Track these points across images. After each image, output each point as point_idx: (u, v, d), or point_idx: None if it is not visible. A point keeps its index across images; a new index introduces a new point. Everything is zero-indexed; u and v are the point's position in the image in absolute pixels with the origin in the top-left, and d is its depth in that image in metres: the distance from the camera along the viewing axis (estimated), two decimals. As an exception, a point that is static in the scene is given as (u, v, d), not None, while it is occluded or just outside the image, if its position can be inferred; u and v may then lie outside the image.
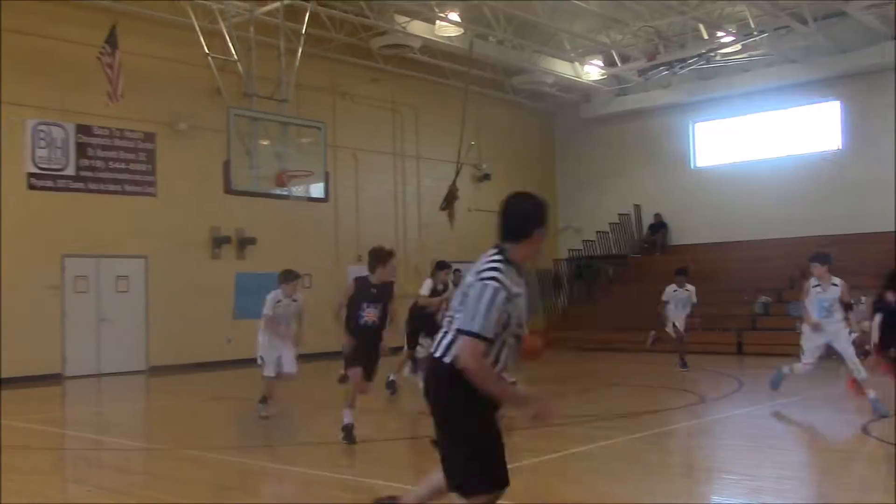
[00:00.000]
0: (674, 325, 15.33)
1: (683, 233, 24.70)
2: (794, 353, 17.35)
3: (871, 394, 9.06)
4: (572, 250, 25.96)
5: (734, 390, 12.45)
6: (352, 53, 21.08)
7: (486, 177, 24.41)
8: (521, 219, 4.08)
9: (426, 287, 12.70)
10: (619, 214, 25.66)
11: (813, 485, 6.81)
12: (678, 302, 15.40)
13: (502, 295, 3.82)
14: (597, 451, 8.08)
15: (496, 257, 3.97)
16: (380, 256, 8.49)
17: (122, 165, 17.39)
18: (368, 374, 8.49)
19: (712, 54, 21.43)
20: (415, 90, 23.04)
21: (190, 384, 15.50)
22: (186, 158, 18.15)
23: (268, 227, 19.30)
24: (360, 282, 8.49)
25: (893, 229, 19.57)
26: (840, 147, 22.39)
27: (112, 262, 17.43)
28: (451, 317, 3.98)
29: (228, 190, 15.61)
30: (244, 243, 19.39)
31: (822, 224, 21.27)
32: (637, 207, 25.69)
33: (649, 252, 24.91)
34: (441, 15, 19.44)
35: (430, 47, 21.17)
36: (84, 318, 16.88)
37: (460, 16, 19.79)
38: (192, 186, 18.18)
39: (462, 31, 20.24)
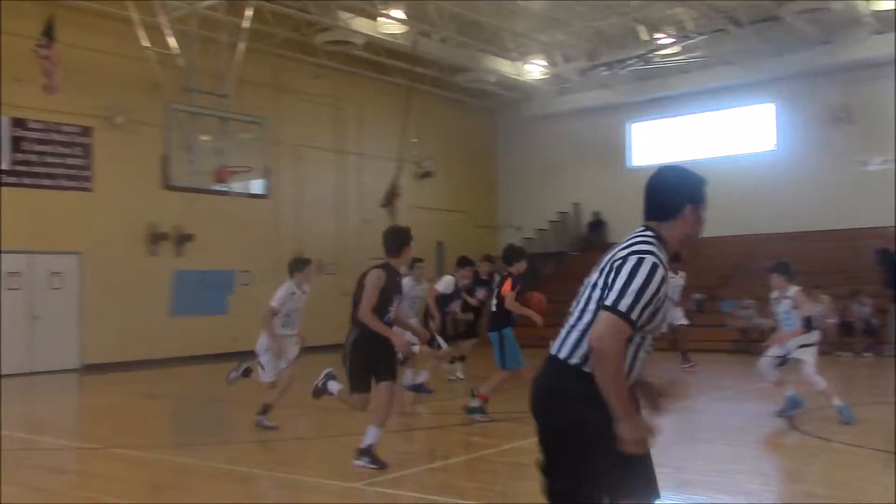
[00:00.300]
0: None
1: (622, 231, 24.90)
2: (726, 349, 17.99)
3: (837, 401, 9.05)
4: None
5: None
6: (295, 49, 20.95)
7: (428, 174, 24.47)
8: (669, 192, 3.41)
9: (446, 284, 12.51)
10: (559, 212, 25.96)
11: (740, 478, 7.01)
12: (672, 291, 14.45)
13: (660, 273, 3.15)
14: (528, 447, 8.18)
15: (647, 233, 3.33)
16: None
17: (58, 160, 17.06)
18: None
19: (651, 56, 21.84)
20: (358, 87, 22.99)
21: (125, 382, 15.26)
22: (124, 153, 17.83)
23: (207, 223, 19.08)
24: (389, 272, 7.32)
25: (827, 228, 20.24)
26: (775, 147, 23.00)
27: (46, 259, 17.06)
28: (584, 305, 3.29)
29: (167, 185, 15.42)
30: (182, 240, 19.14)
31: (757, 223, 21.86)
32: (576, 206, 26.02)
33: (588, 250, 25.23)
34: (384, 12, 19.45)
35: (373, 44, 21.15)
36: (17, 315, 16.49)
37: (404, 13, 19.81)
38: (130, 181, 17.88)
39: (406, 28, 20.26)
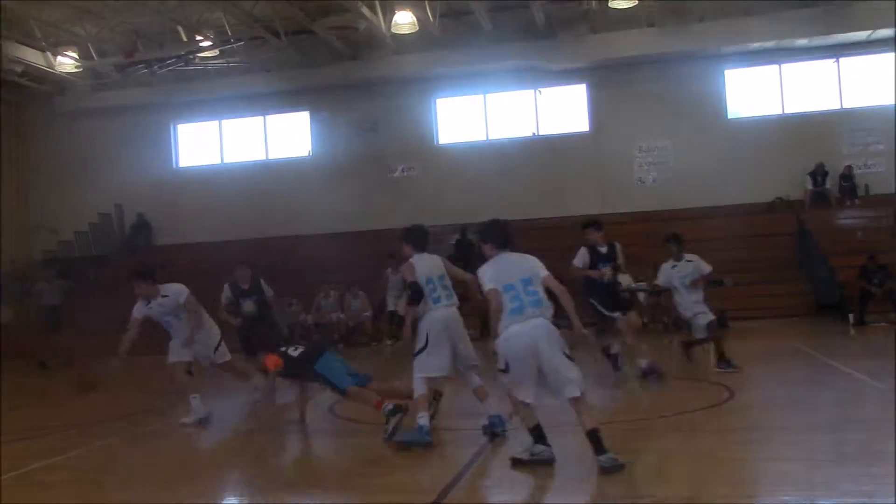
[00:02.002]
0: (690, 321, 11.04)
1: (169, 233, 24.60)
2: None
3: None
4: (48, 251, 24.39)
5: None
6: None
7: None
8: None
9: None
10: (100, 213, 24.76)
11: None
12: (684, 280, 10.84)
13: None
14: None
15: None
16: None
17: None
18: None
19: (191, 57, 21.86)
20: None
21: None
22: None
23: None
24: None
25: (359, 229, 22.08)
26: (309, 153, 24.47)
27: None
28: None
29: None
30: None
31: (290, 226, 23.03)
32: (119, 207, 25.03)
33: (132, 253, 24.42)
34: None
35: None
36: None
37: None
38: None
39: None
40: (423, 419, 7.02)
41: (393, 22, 20.75)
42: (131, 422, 9.63)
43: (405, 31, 21.02)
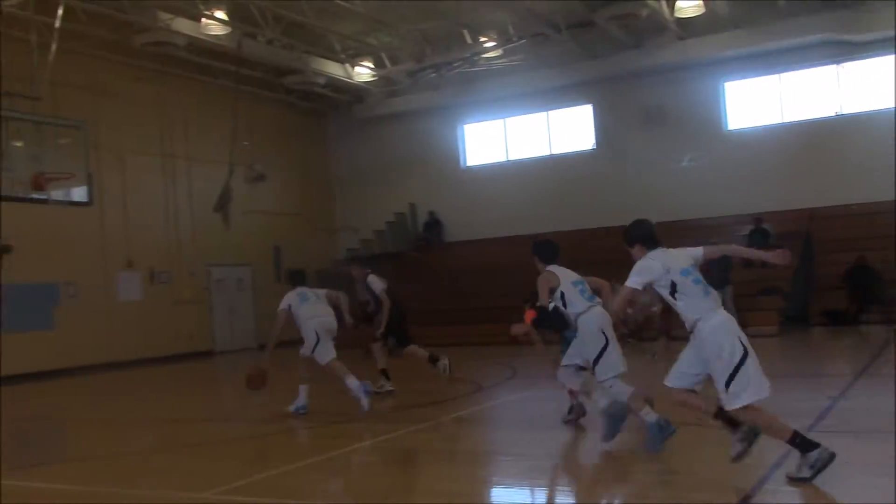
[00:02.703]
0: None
1: (459, 230, 25.65)
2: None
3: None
4: (350, 249, 26.25)
5: (508, 378, 13.16)
6: (113, 51, 20.06)
7: (261, 177, 24.09)
8: None
9: None
10: (396, 213, 26.23)
11: (583, 463, 7.39)
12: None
13: None
14: (382, 444, 8.34)
15: None
16: None
17: None
18: None
19: (476, 58, 22.48)
20: (183, 89, 22.33)
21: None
22: (-74, 162, 16.49)
23: (26, 233, 17.95)
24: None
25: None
26: (594, 146, 24.21)
27: None
28: None
29: (-22, 195, 14.38)
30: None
31: (586, 218, 22.92)
32: (412, 206, 26.38)
33: (425, 249, 25.68)
34: (206, 13, 18.98)
35: (196, 45, 20.59)
36: None
37: (227, 14, 19.41)
38: (-66, 192, 16.54)
39: (229, 29, 19.86)
40: (650, 416, 6.75)
41: (677, 6, 20.01)
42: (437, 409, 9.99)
43: (690, 14, 20.18)
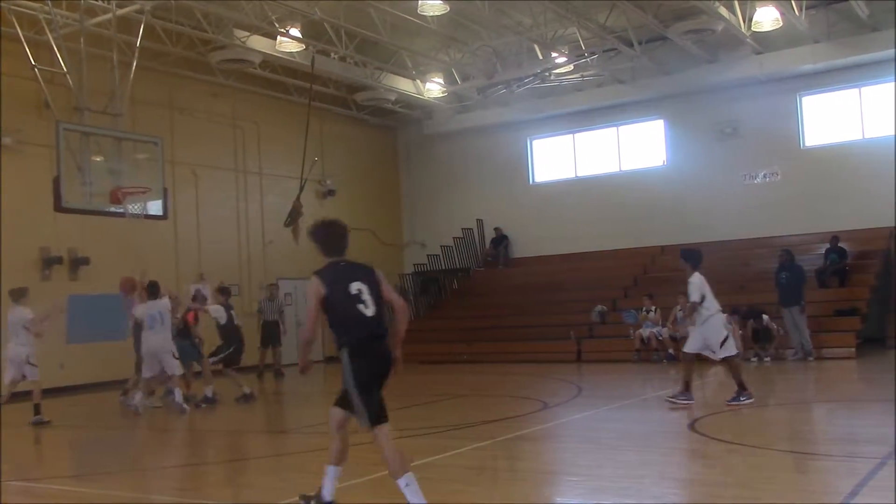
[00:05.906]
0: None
1: (525, 246, 25.54)
2: (628, 358, 18.44)
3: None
4: (417, 265, 26.32)
5: (574, 396, 12.99)
6: (190, 68, 20.60)
7: (331, 192, 24.40)
8: None
9: None
10: (463, 229, 26.23)
11: (650, 483, 7.21)
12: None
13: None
14: (445, 461, 8.26)
15: None
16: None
17: (-56, 183, 16.25)
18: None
19: (547, 74, 22.37)
20: (256, 105, 22.76)
21: (21, 413, 14.58)
22: (12, 175, 17.14)
23: (102, 246, 18.49)
24: None
25: (718, 239, 21.06)
26: (665, 162, 23.82)
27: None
28: None
29: (59, 208, 14.81)
30: (77, 264, 18.49)
31: (653, 235, 22.61)
32: (479, 222, 26.35)
33: (492, 265, 25.60)
34: (282, 30, 19.33)
35: (271, 63, 20.99)
36: None
37: (301, 31, 19.74)
38: (19, 204, 17.17)
39: (303, 46, 20.19)
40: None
41: (753, 20, 19.61)
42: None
43: (767, 27, 19.75)
